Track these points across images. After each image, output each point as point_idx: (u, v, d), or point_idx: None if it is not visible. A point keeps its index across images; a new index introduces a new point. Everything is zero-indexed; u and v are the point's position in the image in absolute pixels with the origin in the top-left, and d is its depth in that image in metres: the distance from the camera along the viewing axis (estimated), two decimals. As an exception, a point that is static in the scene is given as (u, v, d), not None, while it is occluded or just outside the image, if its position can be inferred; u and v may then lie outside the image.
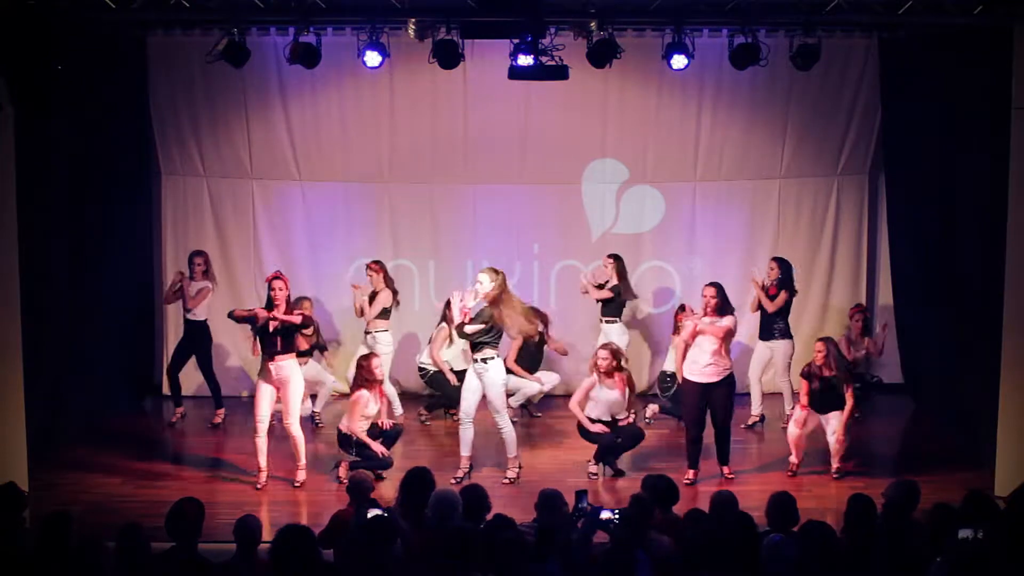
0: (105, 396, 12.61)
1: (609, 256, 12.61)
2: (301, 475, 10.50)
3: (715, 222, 13.51)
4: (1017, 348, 10.13)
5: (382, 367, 11.11)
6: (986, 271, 10.78)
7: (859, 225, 13.62)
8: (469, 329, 10.37)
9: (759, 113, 13.19)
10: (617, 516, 7.18)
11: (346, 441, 10.64)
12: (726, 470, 10.66)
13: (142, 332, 13.28)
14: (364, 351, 12.05)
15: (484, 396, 10.52)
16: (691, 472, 10.54)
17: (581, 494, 7.37)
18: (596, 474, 10.86)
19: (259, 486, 10.39)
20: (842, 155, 13.41)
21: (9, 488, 7.60)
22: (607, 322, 12.47)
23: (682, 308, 12.17)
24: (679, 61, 10.78)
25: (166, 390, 12.91)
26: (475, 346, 10.46)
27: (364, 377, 10.68)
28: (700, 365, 10.46)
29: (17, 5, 9.68)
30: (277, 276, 10.46)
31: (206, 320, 12.30)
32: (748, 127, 13.25)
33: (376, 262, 12.36)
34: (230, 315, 10.54)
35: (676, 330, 12.01)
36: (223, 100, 13.01)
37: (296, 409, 10.41)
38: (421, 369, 12.42)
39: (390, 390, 12.23)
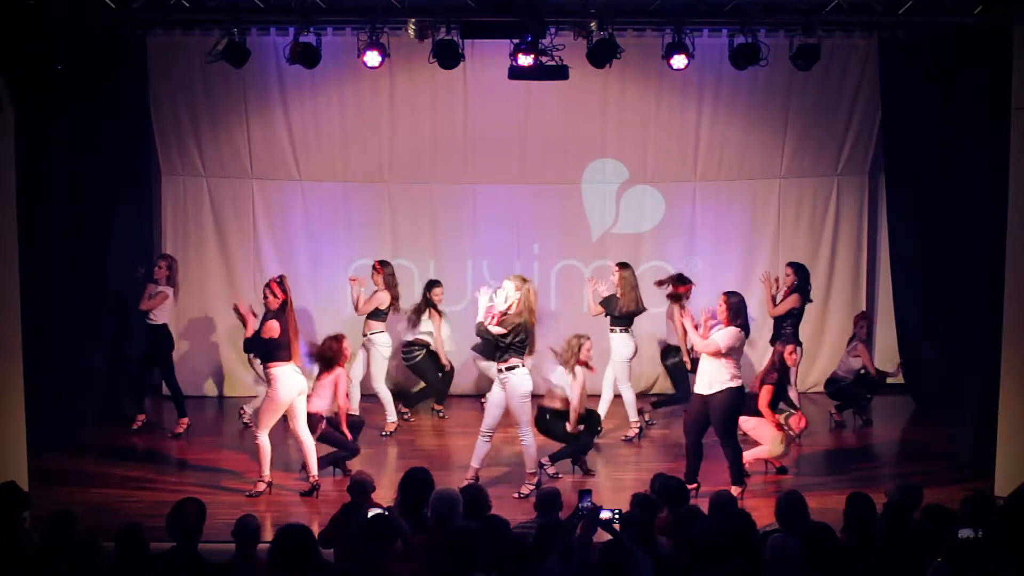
0: (105, 396, 12.60)
1: (617, 264, 12.11)
2: (261, 487, 10.28)
3: (715, 222, 13.51)
4: (1017, 348, 10.13)
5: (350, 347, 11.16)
6: (986, 271, 10.77)
7: (859, 225, 13.63)
8: (494, 331, 10.02)
9: (759, 113, 13.20)
10: (617, 516, 7.18)
11: (315, 426, 10.48)
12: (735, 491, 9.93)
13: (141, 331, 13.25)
14: (362, 354, 12.05)
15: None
16: (691, 486, 9.83)
17: (584, 493, 7.37)
18: (558, 474, 10.68)
19: (251, 493, 10.21)
20: (842, 155, 13.42)
21: (10, 487, 7.60)
22: (611, 331, 12.00)
23: (680, 278, 11.90)
24: (679, 61, 10.77)
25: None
26: (500, 352, 10.11)
27: (334, 355, 10.64)
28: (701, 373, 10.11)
29: (17, 5, 9.68)
30: (279, 279, 10.33)
31: (165, 324, 12.14)
32: (748, 127, 13.26)
33: (381, 262, 12.29)
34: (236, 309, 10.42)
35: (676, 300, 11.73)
36: (223, 100, 13.02)
37: (268, 421, 10.18)
38: (407, 350, 12.42)
39: (385, 395, 12.22)
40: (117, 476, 10.81)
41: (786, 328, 11.99)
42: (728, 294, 10.16)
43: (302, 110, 13.12)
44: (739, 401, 10.06)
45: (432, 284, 12.54)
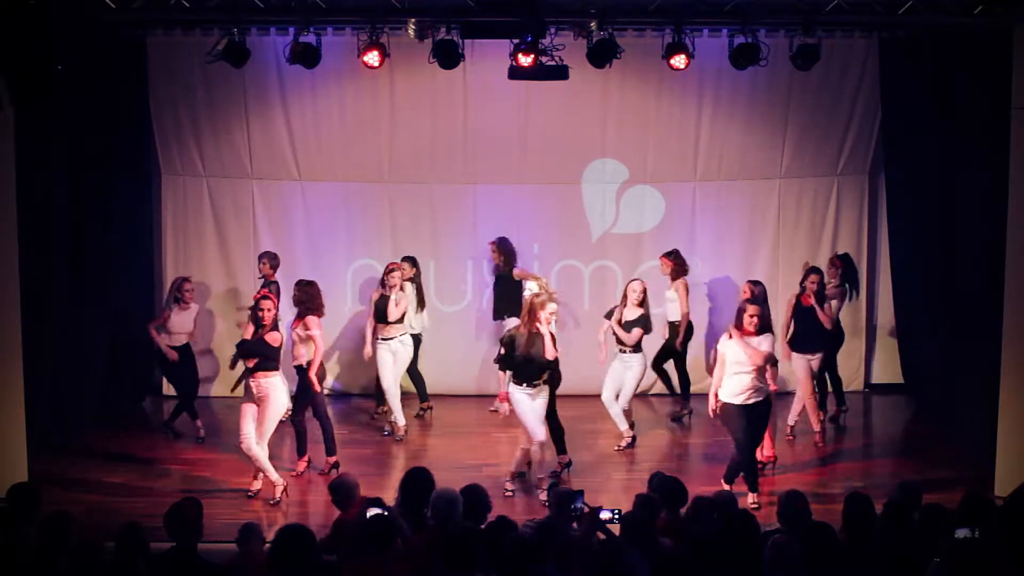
0: (105, 396, 12.60)
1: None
2: (257, 484, 10.39)
3: (715, 222, 13.50)
4: (1017, 348, 10.13)
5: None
6: (986, 271, 10.78)
7: (859, 225, 13.62)
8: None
9: (759, 113, 13.19)
10: (617, 516, 7.18)
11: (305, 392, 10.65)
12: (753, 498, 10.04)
13: (142, 332, 13.23)
14: (389, 359, 11.93)
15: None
16: (753, 495, 10.00)
17: (577, 494, 7.38)
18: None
19: (275, 500, 10.18)
20: (842, 155, 13.41)
21: (24, 488, 7.61)
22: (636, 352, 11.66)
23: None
24: (679, 61, 10.79)
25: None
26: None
27: (313, 302, 10.72)
28: (740, 388, 9.98)
29: (17, 5, 9.68)
30: (266, 296, 10.38)
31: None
32: (748, 127, 13.25)
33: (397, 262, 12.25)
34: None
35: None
36: (223, 100, 13.01)
37: (269, 430, 10.26)
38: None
39: (398, 395, 12.12)
40: (117, 476, 10.83)
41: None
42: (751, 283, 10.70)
43: (302, 110, 13.12)
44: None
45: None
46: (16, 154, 9.98)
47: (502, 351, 10.27)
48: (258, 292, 10.51)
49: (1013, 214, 10.07)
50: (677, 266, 12.40)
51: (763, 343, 9.93)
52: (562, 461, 10.77)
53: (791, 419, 11.90)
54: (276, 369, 10.21)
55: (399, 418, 12.03)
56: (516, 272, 12.66)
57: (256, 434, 10.16)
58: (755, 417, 10.03)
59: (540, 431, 10.18)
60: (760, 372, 9.93)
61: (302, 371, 10.72)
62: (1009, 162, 10.04)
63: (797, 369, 11.75)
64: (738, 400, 9.93)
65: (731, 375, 9.95)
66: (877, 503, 7.36)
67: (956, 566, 6.29)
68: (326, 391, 13.00)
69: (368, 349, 12.08)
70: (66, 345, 11.52)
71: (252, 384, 10.16)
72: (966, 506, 7.07)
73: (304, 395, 10.80)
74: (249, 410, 10.18)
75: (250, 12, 10.60)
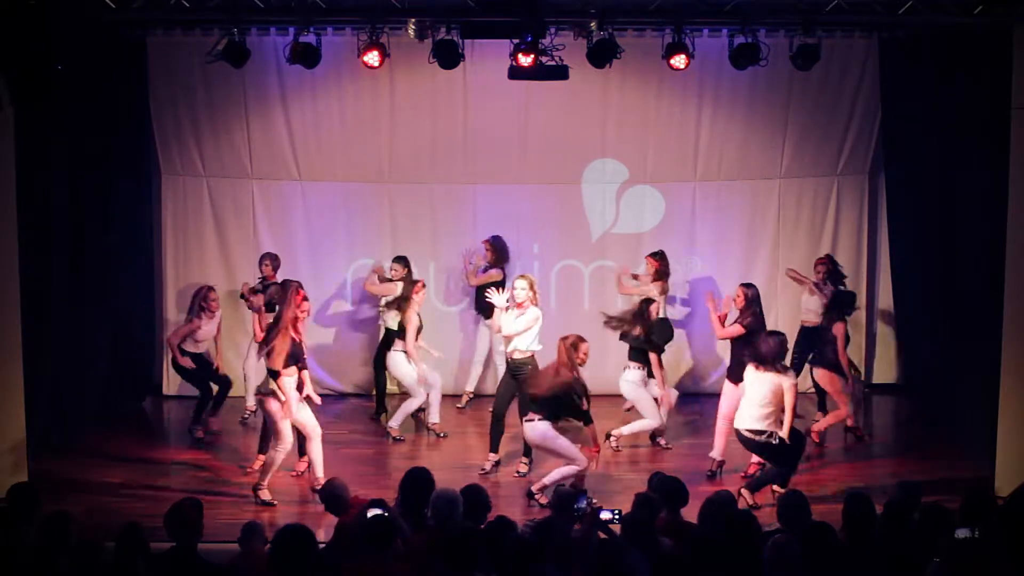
0: (105, 396, 12.60)
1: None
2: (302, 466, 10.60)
3: (715, 222, 13.51)
4: (1017, 348, 10.14)
5: None
6: (986, 271, 10.78)
7: (859, 225, 13.62)
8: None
9: (759, 113, 13.19)
10: (617, 517, 7.18)
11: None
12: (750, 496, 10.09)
13: (142, 332, 13.27)
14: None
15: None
16: (748, 496, 10.01)
17: (580, 495, 7.38)
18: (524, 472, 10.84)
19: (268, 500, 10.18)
20: (842, 155, 13.41)
21: (24, 487, 7.61)
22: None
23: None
24: (679, 61, 10.79)
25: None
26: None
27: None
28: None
29: (17, 5, 9.69)
30: (305, 297, 10.45)
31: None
32: (748, 127, 13.25)
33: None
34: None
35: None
36: (223, 100, 13.01)
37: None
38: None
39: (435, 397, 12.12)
40: (117, 476, 10.81)
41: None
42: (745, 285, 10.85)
43: (302, 110, 13.11)
44: None
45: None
46: (16, 154, 9.98)
47: (564, 403, 9.99)
48: (297, 292, 10.35)
49: (1013, 214, 10.07)
50: (662, 267, 12.36)
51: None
52: (492, 460, 10.98)
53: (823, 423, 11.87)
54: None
55: (400, 419, 12.01)
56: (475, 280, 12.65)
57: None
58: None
59: (579, 454, 10.10)
60: None
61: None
62: (1009, 162, 10.04)
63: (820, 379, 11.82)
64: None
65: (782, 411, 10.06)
66: (877, 503, 7.36)
67: (956, 566, 6.30)
68: (326, 390, 13.01)
69: (424, 375, 11.89)
70: (66, 345, 11.51)
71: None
72: (966, 506, 7.08)
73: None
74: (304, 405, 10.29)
75: (250, 12, 10.61)
